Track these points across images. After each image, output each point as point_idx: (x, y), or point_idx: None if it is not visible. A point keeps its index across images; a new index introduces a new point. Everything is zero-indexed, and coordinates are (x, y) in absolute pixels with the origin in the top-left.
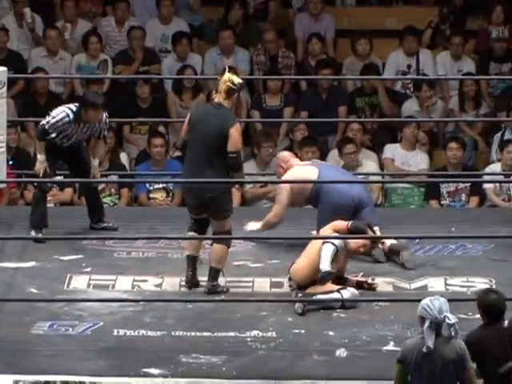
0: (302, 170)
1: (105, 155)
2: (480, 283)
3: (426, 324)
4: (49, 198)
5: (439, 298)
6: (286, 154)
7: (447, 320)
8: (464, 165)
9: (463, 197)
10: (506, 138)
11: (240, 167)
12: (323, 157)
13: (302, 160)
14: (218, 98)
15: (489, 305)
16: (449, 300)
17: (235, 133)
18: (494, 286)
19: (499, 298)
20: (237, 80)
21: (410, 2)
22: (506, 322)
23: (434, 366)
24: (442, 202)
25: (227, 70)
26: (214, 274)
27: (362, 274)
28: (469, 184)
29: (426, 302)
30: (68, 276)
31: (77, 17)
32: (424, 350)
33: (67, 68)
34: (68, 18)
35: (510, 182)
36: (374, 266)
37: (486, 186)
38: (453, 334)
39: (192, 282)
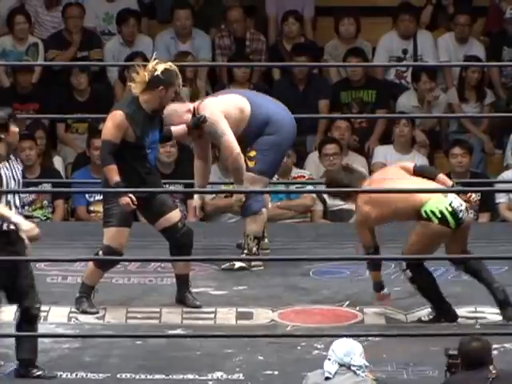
0: (226, 97)
1: (35, 159)
2: (490, 314)
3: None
4: None
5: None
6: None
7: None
8: (472, 173)
9: (472, 212)
10: None
11: (104, 160)
12: (300, 161)
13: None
14: (133, 89)
15: (468, 353)
16: (453, 335)
17: (108, 120)
18: None
19: (482, 347)
20: (163, 68)
21: None
22: (493, 372)
23: None
24: None
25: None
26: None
27: (348, 302)
28: (478, 197)
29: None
30: None
31: None
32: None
33: None
34: None
35: None
36: (364, 292)
37: (498, 198)
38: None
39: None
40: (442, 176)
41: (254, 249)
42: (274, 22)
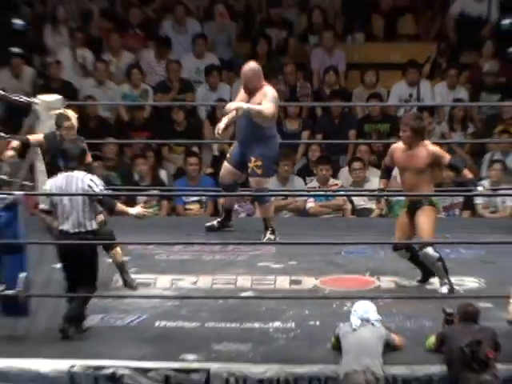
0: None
1: (147, 172)
2: (471, 282)
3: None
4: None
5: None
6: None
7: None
8: (457, 183)
9: (457, 211)
10: (494, 158)
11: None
12: (335, 173)
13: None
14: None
15: (465, 312)
16: (444, 297)
17: None
18: (484, 286)
19: (474, 310)
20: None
21: (411, 38)
22: (477, 327)
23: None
24: (439, 216)
25: None
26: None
27: (368, 273)
28: (462, 199)
29: (356, 305)
30: (116, 275)
31: (121, 49)
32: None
33: (113, 96)
34: (113, 50)
35: (495, 195)
36: (380, 265)
37: (476, 200)
38: (374, 324)
39: None
40: (466, 171)
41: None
42: (317, 74)
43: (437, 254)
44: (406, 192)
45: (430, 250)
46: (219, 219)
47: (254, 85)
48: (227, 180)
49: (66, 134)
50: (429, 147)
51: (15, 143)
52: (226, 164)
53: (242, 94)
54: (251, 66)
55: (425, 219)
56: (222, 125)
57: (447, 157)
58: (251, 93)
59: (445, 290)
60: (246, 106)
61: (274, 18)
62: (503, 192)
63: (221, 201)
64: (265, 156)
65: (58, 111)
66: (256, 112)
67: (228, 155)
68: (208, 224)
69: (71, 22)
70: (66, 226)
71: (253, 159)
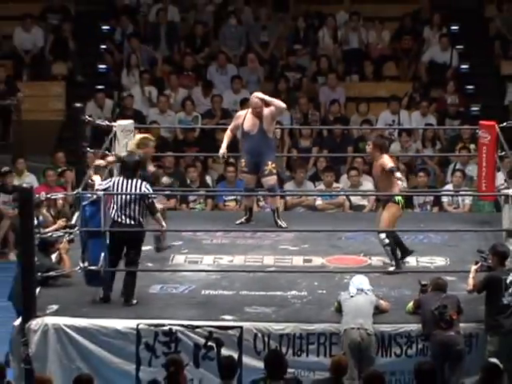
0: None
1: (196, 177)
2: (439, 261)
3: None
4: (160, 206)
5: (361, 276)
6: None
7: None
8: (429, 186)
9: (428, 207)
10: (457, 167)
11: None
12: (337, 179)
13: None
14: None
15: (436, 284)
16: (417, 271)
17: None
18: (449, 263)
19: (443, 282)
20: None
21: (393, 78)
22: (444, 294)
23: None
24: (415, 210)
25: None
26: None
27: (362, 254)
28: (432, 198)
29: (353, 278)
30: (172, 255)
31: (178, 87)
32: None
33: (172, 121)
34: (172, 87)
35: (457, 195)
36: (371, 248)
37: (443, 199)
38: (367, 293)
39: None
40: (397, 174)
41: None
42: (323, 105)
43: (386, 241)
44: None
45: (381, 236)
46: (245, 217)
47: (262, 108)
48: (251, 185)
49: (146, 151)
50: (380, 159)
51: (111, 158)
52: (245, 175)
53: (250, 118)
54: (257, 94)
55: (385, 213)
56: (223, 149)
57: (387, 165)
58: (259, 115)
59: (391, 269)
60: (268, 98)
61: (292, 64)
62: (463, 193)
63: (244, 203)
64: (274, 160)
65: (143, 135)
66: (278, 106)
67: (245, 169)
68: (237, 222)
69: (141, 66)
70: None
71: (269, 163)
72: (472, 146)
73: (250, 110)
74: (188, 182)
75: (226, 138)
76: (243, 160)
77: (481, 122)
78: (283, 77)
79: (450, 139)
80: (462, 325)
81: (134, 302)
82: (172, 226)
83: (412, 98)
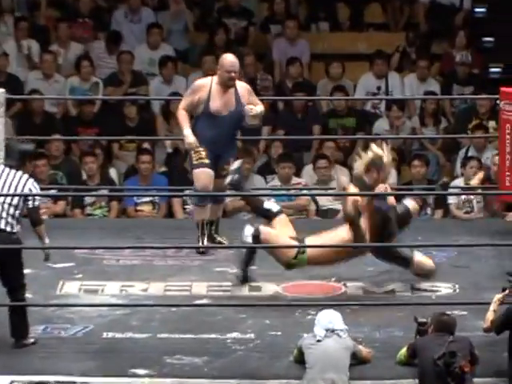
0: None
1: (96, 171)
2: (444, 288)
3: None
4: (43, 211)
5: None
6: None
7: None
8: (429, 180)
9: (428, 210)
10: (469, 154)
11: None
12: (298, 172)
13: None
14: None
15: (439, 322)
16: (413, 304)
17: None
18: (458, 291)
19: (449, 320)
20: None
21: (379, 27)
22: (451, 338)
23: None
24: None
25: None
26: None
27: (334, 279)
28: (434, 197)
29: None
30: (60, 282)
31: (70, 40)
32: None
33: (61, 90)
34: (61, 41)
35: (469, 194)
36: (347, 270)
37: (449, 200)
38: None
39: None
40: None
41: None
42: (278, 66)
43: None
44: None
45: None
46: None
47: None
48: (210, 187)
49: None
50: None
51: None
52: (206, 170)
53: (220, 92)
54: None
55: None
56: (192, 138)
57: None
58: (228, 87)
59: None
60: (260, 109)
61: (233, 6)
62: (479, 191)
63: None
64: (235, 157)
65: None
66: (261, 112)
67: (206, 160)
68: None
69: (17, 12)
70: None
71: (231, 161)
72: (491, 124)
73: (216, 78)
74: (83, 177)
75: (185, 121)
76: (201, 149)
77: (503, 88)
78: (221, 25)
79: (460, 114)
80: (477, 380)
81: (31, 340)
82: (59, 241)
83: (405, 54)
